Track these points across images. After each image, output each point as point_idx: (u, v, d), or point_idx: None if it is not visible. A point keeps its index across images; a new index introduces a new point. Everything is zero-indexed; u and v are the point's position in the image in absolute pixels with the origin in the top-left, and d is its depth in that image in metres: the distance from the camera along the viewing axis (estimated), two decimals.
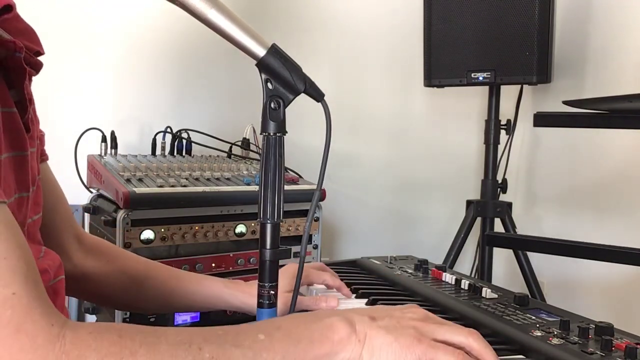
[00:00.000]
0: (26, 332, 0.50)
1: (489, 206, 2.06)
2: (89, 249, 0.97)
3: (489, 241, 2.00)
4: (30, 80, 0.72)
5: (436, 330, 0.63)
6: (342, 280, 1.04)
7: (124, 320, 1.45)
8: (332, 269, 1.15)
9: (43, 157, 0.89)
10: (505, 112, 2.11)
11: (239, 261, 1.61)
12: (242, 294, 0.98)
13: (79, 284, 0.94)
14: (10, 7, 0.66)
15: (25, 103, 0.68)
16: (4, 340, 0.49)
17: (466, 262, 2.28)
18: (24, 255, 0.54)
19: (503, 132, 2.10)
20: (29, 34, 0.73)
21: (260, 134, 0.72)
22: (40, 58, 0.74)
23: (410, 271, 1.10)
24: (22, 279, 0.52)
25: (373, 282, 1.08)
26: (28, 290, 0.52)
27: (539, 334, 0.76)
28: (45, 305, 0.53)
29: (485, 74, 1.96)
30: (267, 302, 0.73)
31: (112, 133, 1.89)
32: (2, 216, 0.55)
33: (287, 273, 0.96)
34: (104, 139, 1.86)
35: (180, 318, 1.52)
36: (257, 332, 0.59)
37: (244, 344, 0.57)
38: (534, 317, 0.84)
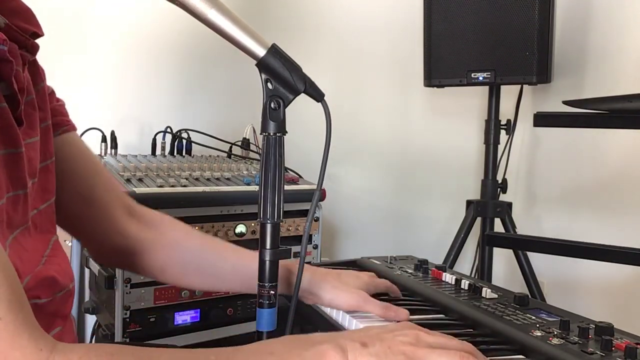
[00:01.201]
0: (14, 359, 0.49)
1: (489, 206, 2.06)
2: (142, 221, 0.93)
3: (489, 241, 2.00)
4: (25, 64, 0.69)
5: (427, 355, 0.61)
6: None
7: (124, 320, 1.45)
8: (331, 269, 1.15)
9: (68, 126, 0.84)
10: (505, 112, 2.11)
11: None
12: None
13: (134, 258, 0.90)
14: None
15: (16, 96, 0.65)
16: None
17: (466, 262, 2.28)
18: (8, 278, 0.52)
19: (503, 132, 2.10)
20: (24, 13, 0.70)
21: (260, 134, 0.72)
22: (40, 56, 0.72)
23: (410, 271, 1.10)
24: (7, 305, 0.51)
25: None
26: (14, 316, 0.51)
27: (539, 334, 0.76)
28: (32, 329, 0.52)
29: (485, 74, 1.96)
30: (267, 302, 0.73)
31: (112, 133, 1.89)
32: None
33: (362, 280, 0.92)
34: (104, 139, 1.86)
35: (180, 318, 1.52)
36: (250, 357, 0.59)
37: None
38: (534, 317, 0.84)
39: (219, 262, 0.94)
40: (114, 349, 0.55)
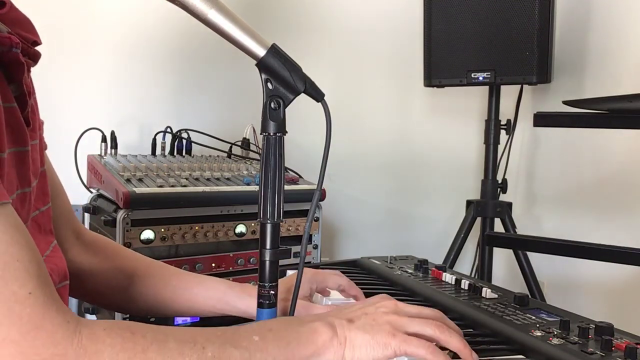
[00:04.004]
0: (45, 329, 0.53)
1: (489, 206, 2.06)
2: (87, 245, 0.94)
3: (489, 241, 2.01)
4: (29, 71, 0.71)
5: (408, 324, 0.68)
6: None
7: (124, 320, 1.45)
8: (332, 269, 1.15)
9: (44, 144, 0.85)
10: (505, 112, 2.11)
11: (239, 261, 1.61)
12: (249, 296, 0.90)
13: (73, 281, 0.89)
14: (3, 3, 0.65)
15: (24, 97, 0.67)
16: (25, 336, 0.52)
17: (466, 262, 2.28)
18: (34, 256, 0.56)
19: (503, 132, 2.10)
20: (25, 23, 0.72)
21: (260, 134, 0.72)
22: (39, 56, 0.74)
23: (410, 271, 1.10)
24: (36, 279, 0.54)
25: (373, 282, 1.08)
26: (42, 290, 0.54)
27: (539, 334, 0.76)
28: (58, 304, 0.56)
29: (485, 74, 1.96)
30: (267, 302, 0.73)
31: (112, 133, 1.89)
32: (10, 218, 0.55)
33: (288, 281, 0.91)
34: (104, 139, 1.86)
35: (180, 318, 1.52)
36: (252, 333, 0.64)
37: (241, 344, 0.62)
38: (534, 317, 0.84)
39: (161, 287, 0.93)
40: (133, 323, 0.59)
